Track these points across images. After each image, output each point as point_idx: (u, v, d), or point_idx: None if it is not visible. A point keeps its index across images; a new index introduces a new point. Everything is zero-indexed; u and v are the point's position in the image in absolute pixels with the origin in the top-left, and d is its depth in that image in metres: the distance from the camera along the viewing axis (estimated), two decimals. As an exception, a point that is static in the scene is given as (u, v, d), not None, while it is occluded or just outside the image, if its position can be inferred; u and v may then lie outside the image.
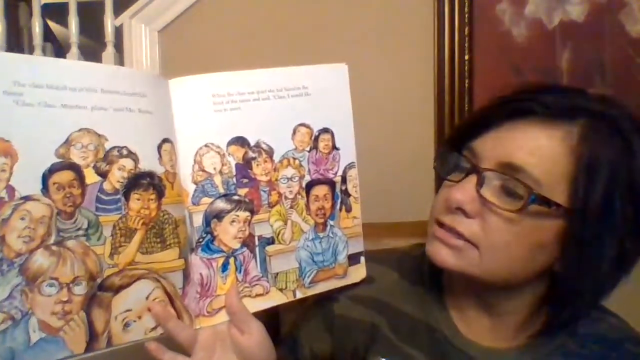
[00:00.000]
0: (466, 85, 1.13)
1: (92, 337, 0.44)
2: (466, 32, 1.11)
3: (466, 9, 1.11)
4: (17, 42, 1.83)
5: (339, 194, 0.60)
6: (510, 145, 0.46)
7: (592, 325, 0.52)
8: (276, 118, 0.55)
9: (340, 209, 0.60)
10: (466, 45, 1.11)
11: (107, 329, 0.45)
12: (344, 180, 0.60)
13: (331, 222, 0.59)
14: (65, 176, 0.42)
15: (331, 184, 0.59)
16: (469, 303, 0.55)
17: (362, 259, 0.62)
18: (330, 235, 0.59)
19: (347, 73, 0.59)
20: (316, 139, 0.57)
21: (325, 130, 0.58)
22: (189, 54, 1.14)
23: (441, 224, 0.50)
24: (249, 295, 0.55)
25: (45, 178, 0.41)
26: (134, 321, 0.47)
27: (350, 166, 0.60)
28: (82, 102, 0.42)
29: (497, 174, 0.46)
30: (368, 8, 1.15)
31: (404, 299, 0.59)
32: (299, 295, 0.58)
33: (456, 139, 0.52)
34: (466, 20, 1.11)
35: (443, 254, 0.49)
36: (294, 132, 0.56)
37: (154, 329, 0.49)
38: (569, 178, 0.45)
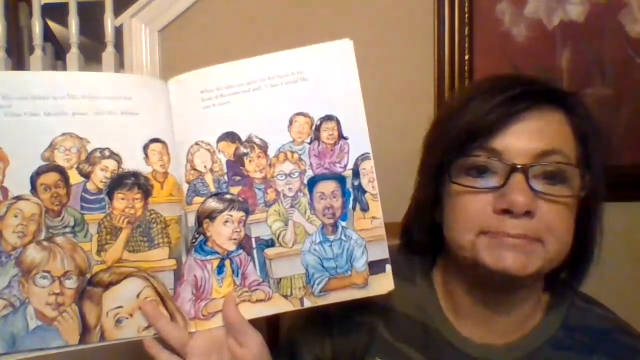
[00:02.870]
0: (466, 85, 1.12)
1: (85, 329, 0.47)
2: (466, 32, 1.10)
3: (466, 9, 1.10)
4: (17, 42, 1.76)
5: (350, 190, 0.52)
6: (537, 134, 0.47)
7: (580, 316, 0.53)
8: (269, 109, 0.51)
9: (354, 208, 0.52)
10: (466, 45, 1.10)
11: (99, 324, 0.47)
12: (356, 174, 0.51)
13: (343, 223, 0.52)
14: (51, 177, 0.46)
15: (339, 179, 0.51)
16: (466, 302, 0.53)
17: (388, 267, 0.52)
18: (343, 238, 0.52)
19: (352, 50, 0.51)
20: (317, 128, 0.51)
21: (329, 118, 0.51)
22: (189, 54, 1.15)
23: (502, 233, 0.46)
24: (249, 300, 0.51)
25: (33, 179, 0.45)
26: (126, 318, 0.48)
27: (363, 158, 0.51)
28: (63, 109, 0.46)
29: (541, 165, 0.47)
30: (367, 8, 1.11)
31: (399, 299, 0.56)
32: (308, 304, 0.51)
33: (455, 146, 0.49)
34: (466, 20, 1.10)
35: (521, 263, 0.46)
36: (291, 123, 0.51)
37: (147, 327, 0.49)
38: (577, 151, 0.49)
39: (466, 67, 1.10)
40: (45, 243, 0.46)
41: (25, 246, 0.45)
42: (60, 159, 0.46)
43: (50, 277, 0.46)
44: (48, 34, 1.82)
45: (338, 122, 0.51)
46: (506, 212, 0.46)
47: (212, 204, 0.50)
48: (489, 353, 0.52)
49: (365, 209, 0.52)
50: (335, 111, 0.51)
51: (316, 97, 0.51)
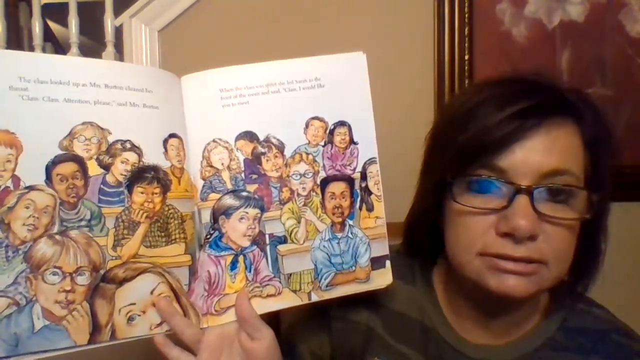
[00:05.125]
0: (466, 85, 1.09)
1: (96, 328, 0.44)
2: (466, 32, 1.08)
3: (466, 9, 1.08)
4: (17, 42, 1.73)
5: (358, 191, 0.54)
6: (543, 153, 0.44)
7: (578, 317, 0.52)
8: (287, 111, 0.52)
9: (361, 208, 0.54)
10: (466, 45, 1.08)
11: (111, 322, 0.44)
12: (363, 176, 0.54)
13: (350, 222, 0.54)
14: (68, 168, 0.42)
15: (349, 180, 0.54)
16: (465, 303, 0.53)
17: (388, 263, 0.56)
18: (350, 235, 0.54)
19: (366, 62, 0.54)
20: (331, 132, 0.53)
21: (342, 124, 0.53)
22: (189, 53, 1.13)
23: (507, 257, 0.45)
24: (260, 296, 0.51)
25: (48, 169, 0.41)
26: (138, 315, 0.46)
27: (370, 162, 0.54)
28: (85, 97, 0.43)
29: (547, 187, 0.44)
30: (367, 8, 1.11)
31: (397, 299, 0.56)
32: (315, 298, 0.53)
33: (457, 163, 0.47)
34: (466, 20, 1.08)
35: (521, 286, 0.45)
36: (307, 126, 0.52)
37: (159, 325, 0.47)
38: (586, 163, 0.47)
39: (466, 67, 1.08)
40: (58, 237, 0.42)
41: (35, 240, 0.41)
42: (79, 149, 0.43)
43: (61, 274, 0.42)
44: (48, 34, 1.79)
45: (350, 128, 0.54)
46: (509, 235, 0.44)
47: (229, 200, 0.50)
48: (488, 354, 0.51)
49: (370, 209, 0.55)
50: (347, 117, 0.54)
51: (331, 103, 0.53)
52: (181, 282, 0.48)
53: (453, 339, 0.53)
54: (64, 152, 0.42)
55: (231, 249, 0.50)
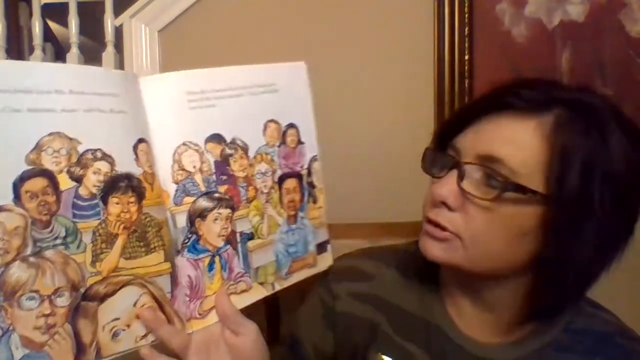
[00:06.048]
0: (466, 85, 1.09)
1: (80, 349, 0.40)
2: (466, 32, 1.07)
3: (466, 9, 1.07)
4: (17, 42, 1.76)
5: (306, 186, 0.60)
6: (487, 138, 0.46)
7: (584, 320, 0.51)
8: (249, 114, 0.54)
9: (308, 201, 0.60)
10: (466, 45, 1.08)
11: (95, 340, 0.41)
12: (309, 173, 0.60)
13: (301, 214, 0.59)
14: (38, 183, 0.38)
15: (299, 176, 0.59)
16: (463, 297, 0.54)
17: (329, 247, 0.63)
18: (301, 226, 0.59)
19: (306, 71, 0.59)
20: (284, 134, 0.57)
21: (292, 126, 0.58)
22: (189, 54, 1.11)
23: (429, 220, 0.50)
24: (235, 292, 0.53)
25: (16, 187, 0.37)
26: (123, 330, 0.44)
27: (313, 159, 0.61)
28: (50, 105, 0.39)
29: (476, 166, 0.46)
30: (368, 8, 1.12)
31: (402, 295, 0.58)
32: (277, 287, 0.57)
33: (440, 139, 0.52)
34: (466, 20, 1.07)
35: (431, 247, 0.49)
36: (265, 128, 0.55)
37: (144, 336, 0.45)
38: (544, 166, 0.44)
39: (466, 67, 1.06)
40: (32, 259, 0.37)
41: (7, 265, 0.36)
42: (48, 162, 0.38)
43: (38, 297, 0.38)
44: (48, 34, 1.81)
45: (297, 130, 0.59)
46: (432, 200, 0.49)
47: (203, 203, 0.50)
48: (491, 352, 0.51)
49: (315, 201, 0.61)
50: (295, 120, 0.58)
51: (283, 107, 0.57)
52: (164, 291, 0.47)
53: (456, 336, 0.53)
54: (32, 166, 0.37)
55: (208, 250, 0.51)
